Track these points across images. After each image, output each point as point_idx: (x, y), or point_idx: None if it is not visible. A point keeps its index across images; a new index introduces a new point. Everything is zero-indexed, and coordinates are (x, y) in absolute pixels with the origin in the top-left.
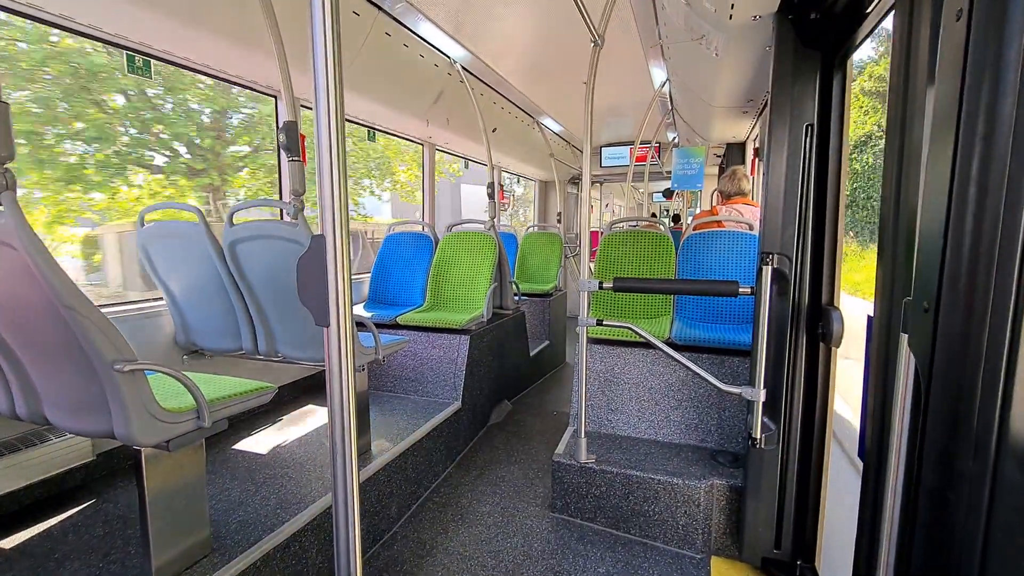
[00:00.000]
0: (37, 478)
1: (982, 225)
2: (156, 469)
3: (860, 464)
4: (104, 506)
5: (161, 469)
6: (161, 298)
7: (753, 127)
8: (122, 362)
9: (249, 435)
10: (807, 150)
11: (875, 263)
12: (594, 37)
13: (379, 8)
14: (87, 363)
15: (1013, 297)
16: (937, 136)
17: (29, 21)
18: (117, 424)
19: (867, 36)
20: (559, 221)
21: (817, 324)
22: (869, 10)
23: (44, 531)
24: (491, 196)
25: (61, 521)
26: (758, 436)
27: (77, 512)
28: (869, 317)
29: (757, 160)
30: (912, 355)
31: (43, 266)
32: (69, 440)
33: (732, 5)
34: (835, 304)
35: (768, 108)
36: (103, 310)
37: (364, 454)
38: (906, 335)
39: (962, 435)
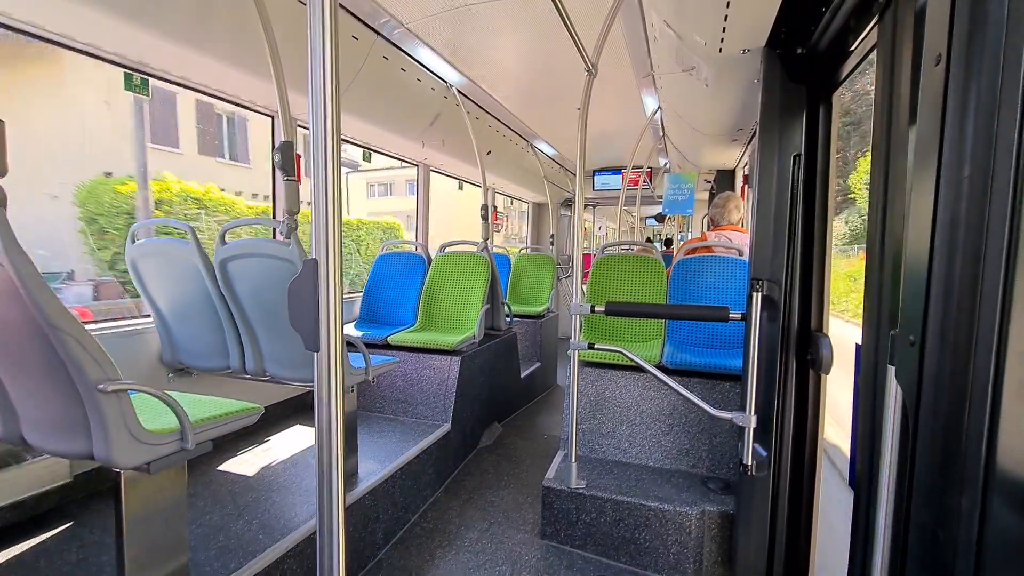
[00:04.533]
0: (9, 500)
1: (964, 264)
2: (135, 492)
3: (851, 492)
4: (80, 530)
5: (140, 492)
6: (148, 315)
7: (742, 155)
8: (106, 381)
9: (234, 456)
10: (795, 180)
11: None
12: (587, 66)
13: (377, 33)
14: (69, 383)
15: (996, 334)
16: (918, 176)
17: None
18: (97, 445)
19: (851, 73)
20: (552, 243)
21: (807, 350)
22: (853, 48)
23: (15, 557)
24: (485, 218)
25: (33, 546)
26: (749, 463)
27: (51, 536)
28: (857, 345)
29: (747, 187)
30: (899, 388)
31: (29, 284)
32: (46, 461)
33: (721, 39)
34: (824, 331)
35: (756, 138)
36: (91, 326)
37: (351, 477)
38: (893, 367)
39: (950, 472)
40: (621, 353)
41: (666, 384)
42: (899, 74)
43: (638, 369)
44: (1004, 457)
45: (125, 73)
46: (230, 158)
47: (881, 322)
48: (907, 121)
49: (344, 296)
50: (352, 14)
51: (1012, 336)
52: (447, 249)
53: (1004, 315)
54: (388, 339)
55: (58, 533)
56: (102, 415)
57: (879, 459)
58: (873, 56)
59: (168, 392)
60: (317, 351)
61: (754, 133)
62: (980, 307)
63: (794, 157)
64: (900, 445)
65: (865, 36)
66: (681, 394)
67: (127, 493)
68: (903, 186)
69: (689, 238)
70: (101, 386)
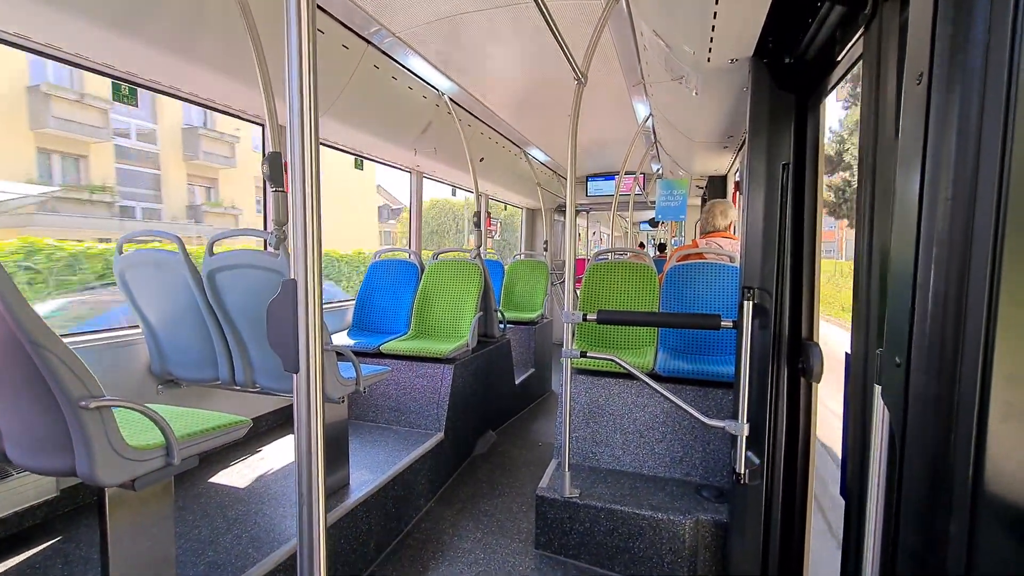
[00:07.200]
0: None
1: (949, 285)
2: (120, 509)
3: (843, 502)
4: (66, 546)
5: (125, 509)
6: (137, 327)
7: (733, 161)
8: (88, 398)
9: (223, 468)
10: (784, 188)
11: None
12: (577, 76)
13: (368, 42)
14: (51, 399)
15: (981, 356)
16: (902, 195)
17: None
18: (80, 463)
19: (838, 83)
20: (546, 249)
21: (798, 359)
22: (840, 58)
23: None
24: (477, 225)
25: (18, 563)
26: (742, 471)
27: (36, 553)
28: (847, 353)
29: (738, 193)
30: (886, 408)
31: (10, 301)
32: (30, 476)
33: (710, 49)
34: (814, 339)
35: (746, 146)
36: (79, 338)
37: (342, 488)
38: (879, 386)
39: (938, 496)
40: (613, 361)
41: (659, 392)
42: (884, 85)
43: (631, 376)
44: (992, 482)
45: (113, 83)
46: None
47: (869, 337)
48: (893, 133)
49: (337, 304)
50: (342, 23)
51: (997, 357)
52: (440, 257)
53: (989, 336)
54: (380, 348)
55: (43, 549)
56: (84, 432)
57: (868, 476)
58: (860, 66)
59: (153, 406)
60: (296, 372)
61: (744, 140)
62: (965, 328)
63: (783, 166)
64: (888, 464)
65: (852, 46)
66: (674, 403)
67: (111, 510)
68: (889, 199)
69: (682, 243)
70: (83, 403)
